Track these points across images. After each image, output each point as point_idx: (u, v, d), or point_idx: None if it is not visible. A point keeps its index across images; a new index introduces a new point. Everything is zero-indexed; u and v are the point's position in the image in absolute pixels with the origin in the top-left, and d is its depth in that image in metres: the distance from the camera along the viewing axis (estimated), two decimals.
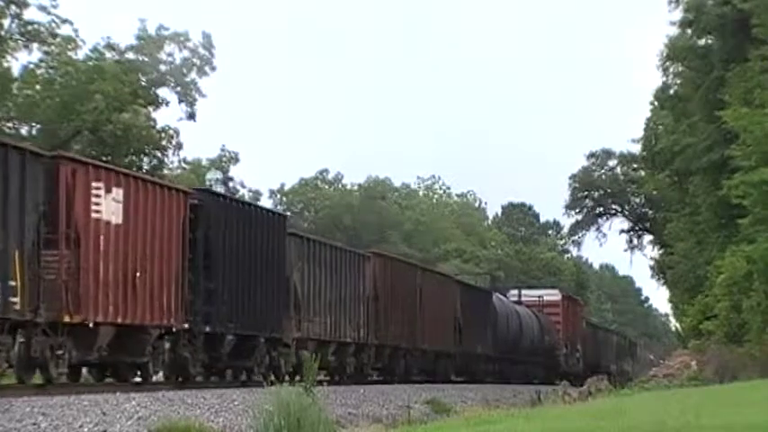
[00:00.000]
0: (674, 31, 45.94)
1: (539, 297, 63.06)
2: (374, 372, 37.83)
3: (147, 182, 25.50)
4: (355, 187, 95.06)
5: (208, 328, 26.61)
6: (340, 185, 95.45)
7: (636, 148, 69.30)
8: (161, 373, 26.06)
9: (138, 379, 24.88)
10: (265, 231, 29.58)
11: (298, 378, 31.38)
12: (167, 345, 25.45)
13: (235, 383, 28.45)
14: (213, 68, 53.45)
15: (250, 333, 28.55)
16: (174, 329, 25.42)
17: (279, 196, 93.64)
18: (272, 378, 28.12)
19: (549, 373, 59.99)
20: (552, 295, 64.85)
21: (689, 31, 45.07)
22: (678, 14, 44.67)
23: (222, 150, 68.49)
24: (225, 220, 27.73)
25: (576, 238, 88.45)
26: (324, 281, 33.11)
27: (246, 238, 28.65)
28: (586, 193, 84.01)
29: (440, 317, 43.45)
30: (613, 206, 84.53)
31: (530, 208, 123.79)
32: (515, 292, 63.42)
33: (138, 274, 23.94)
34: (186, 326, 25.68)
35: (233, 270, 27.85)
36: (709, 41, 44.28)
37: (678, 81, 49.36)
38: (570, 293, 76.07)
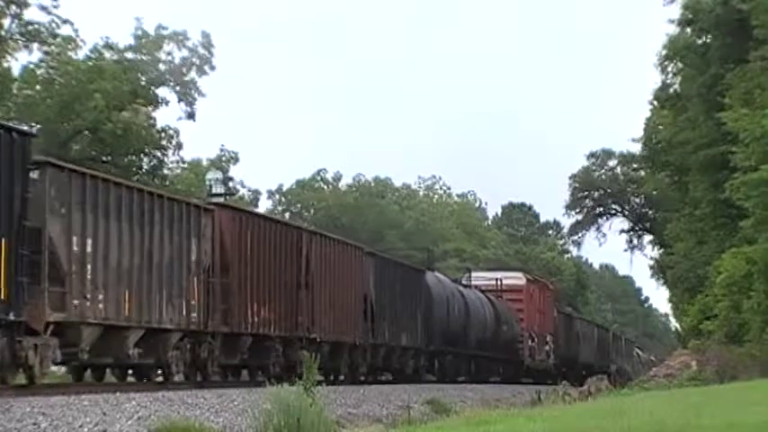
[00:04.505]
0: (673, 29, 46.07)
1: (496, 280, 52.77)
2: (227, 369, 29.40)
3: None
4: (351, 188, 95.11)
5: None
6: (339, 185, 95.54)
7: (636, 148, 69.47)
8: None
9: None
10: None
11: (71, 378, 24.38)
12: None
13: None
14: (213, 68, 53.57)
15: None
16: None
17: (278, 196, 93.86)
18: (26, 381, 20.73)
19: (509, 369, 52.35)
20: (514, 278, 54.21)
21: (688, 29, 45.14)
22: (675, 11, 44.87)
23: (222, 150, 68.58)
24: None
25: (576, 238, 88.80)
26: (117, 239, 22.99)
27: None
28: (586, 193, 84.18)
29: (341, 298, 33.99)
30: (613, 206, 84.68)
31: (530, 208, 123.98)
32: (467, 274, 53.15)
33: None
34: None
35: None
36: (708, 40, 44.32)
37: (677, 80, 49.44)
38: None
